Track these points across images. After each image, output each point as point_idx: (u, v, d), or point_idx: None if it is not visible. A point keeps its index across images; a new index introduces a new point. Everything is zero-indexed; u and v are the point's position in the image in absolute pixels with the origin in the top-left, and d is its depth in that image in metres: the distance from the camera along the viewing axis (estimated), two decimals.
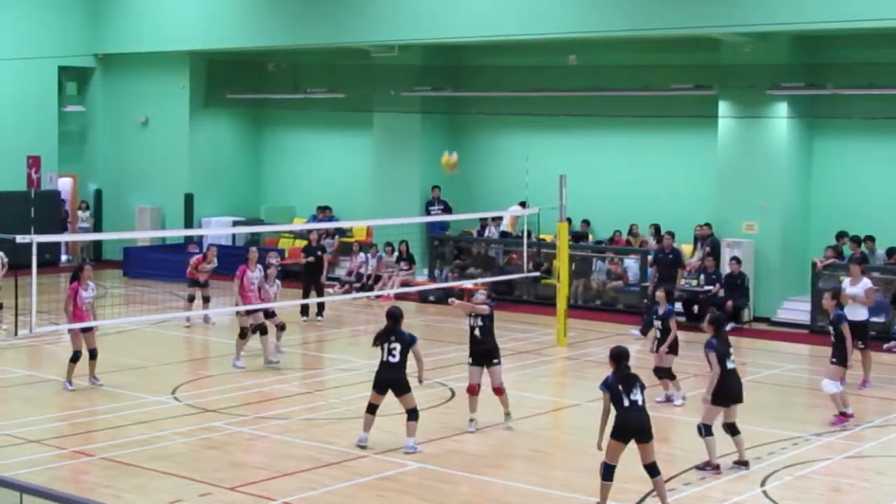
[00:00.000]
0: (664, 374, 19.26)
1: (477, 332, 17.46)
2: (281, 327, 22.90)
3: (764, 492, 14.63)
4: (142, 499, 14.00)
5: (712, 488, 14.72)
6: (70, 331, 19.79)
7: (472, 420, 17.52)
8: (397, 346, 15.97)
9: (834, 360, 18.22)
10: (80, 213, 36.91)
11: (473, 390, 17.50)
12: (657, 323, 19.30)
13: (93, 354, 19.99)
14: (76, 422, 18.01)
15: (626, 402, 13.29)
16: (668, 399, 19.25)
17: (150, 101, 37.23)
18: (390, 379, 16.00)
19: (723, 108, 28.29)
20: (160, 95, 36.94)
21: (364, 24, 31.64)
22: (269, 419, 17.90)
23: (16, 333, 19.29)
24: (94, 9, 37.22)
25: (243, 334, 21.81)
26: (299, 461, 15.74)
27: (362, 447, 16.16)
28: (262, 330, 21.83)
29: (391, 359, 15.95)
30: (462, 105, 33.43)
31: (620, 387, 13.37)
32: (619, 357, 13.65)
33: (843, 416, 18.15)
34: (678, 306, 26.86)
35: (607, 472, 13.37)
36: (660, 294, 19.63)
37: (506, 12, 29.33)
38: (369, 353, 23.96)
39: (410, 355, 16.15)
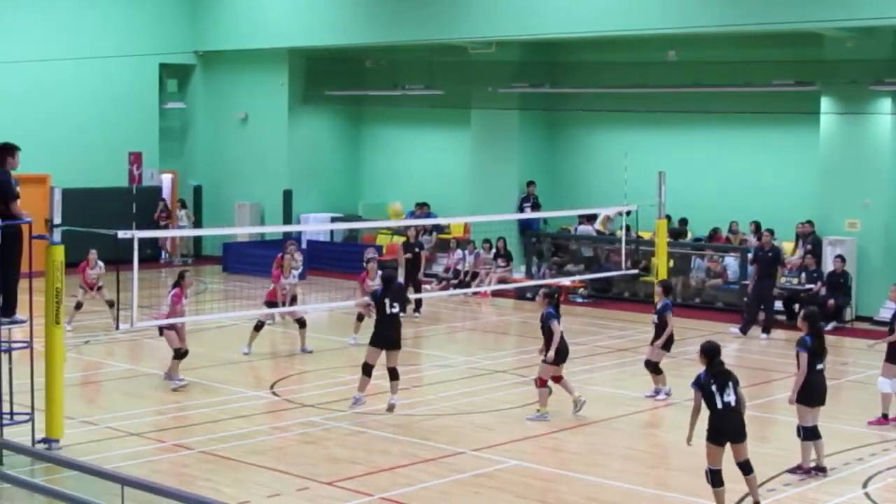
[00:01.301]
0: (651, 368, 19.23)
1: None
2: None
3: (866, 493, 14.41)
4: (240, 492, 14.11)
5: (813, 489, 14.52)
6: (165, 334, 19.89)
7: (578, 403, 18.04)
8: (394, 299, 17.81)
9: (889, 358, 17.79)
10: (178, 212, 37.09)
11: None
12: (653, 317, 19.22)
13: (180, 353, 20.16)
14: (176, 415, 18.22)
15: (720, 405, 12.98)
16: (656, 393, 19.23)
17: (249, 98, 37.54)
18: (391, 336, 17.74)
19: (825, 104, 27.87)
20: (259, 92, 37.22)
21: (462, 21, 31.61)
22: (367, 415, 17.94)
23: (117, 327, 19.50)
24: (195, 6, 37.63)
25: (302, 323, 23.28)
26: (396, 457, 15.79)
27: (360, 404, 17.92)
28: (260, 325, 23.21)
29: (392, 310, 17.70)
30: (560, 101, 33.27)
31: (714, 386, 13.05)
32: (710, 353, 13.31)
33: (885, 419, 17.77)
34: (778, 305, 26.67)
35: (714, 477, 13.02)
36: (658, 288, 19.56)
37: (604, 8, 29.11)
38: (467, 349, 24.19)
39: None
